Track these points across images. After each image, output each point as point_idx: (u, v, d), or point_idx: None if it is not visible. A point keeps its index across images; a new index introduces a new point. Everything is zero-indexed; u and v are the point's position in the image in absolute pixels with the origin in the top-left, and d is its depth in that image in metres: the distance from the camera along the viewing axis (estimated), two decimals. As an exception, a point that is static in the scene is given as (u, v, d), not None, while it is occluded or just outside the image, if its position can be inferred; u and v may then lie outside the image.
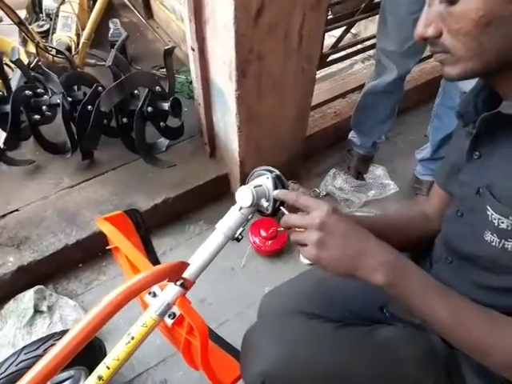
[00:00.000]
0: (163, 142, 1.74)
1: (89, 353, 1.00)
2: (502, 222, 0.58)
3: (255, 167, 0.79)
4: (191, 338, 0.78)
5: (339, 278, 0.91)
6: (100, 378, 0.70)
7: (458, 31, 0.53)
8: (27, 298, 1.42)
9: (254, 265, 1.63)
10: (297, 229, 0.64)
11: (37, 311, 1.41)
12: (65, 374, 1.09)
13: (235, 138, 1.48)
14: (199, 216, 1.73)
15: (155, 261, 1.07)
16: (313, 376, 0.74)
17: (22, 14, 2.14)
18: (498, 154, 0.60)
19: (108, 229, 0.87)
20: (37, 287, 1.45)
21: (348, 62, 2.21)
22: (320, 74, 2.13)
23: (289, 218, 0.65)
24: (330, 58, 1.86)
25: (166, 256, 1.62)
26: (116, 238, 0.85)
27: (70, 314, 1.44)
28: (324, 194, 1.88)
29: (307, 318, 0.91)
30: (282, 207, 0.73)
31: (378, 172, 1.90)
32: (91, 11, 2.08)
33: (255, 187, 0.75)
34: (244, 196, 0.74)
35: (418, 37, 0.58)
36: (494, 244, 0.61)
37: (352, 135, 1.87)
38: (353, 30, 2.54)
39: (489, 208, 0.60)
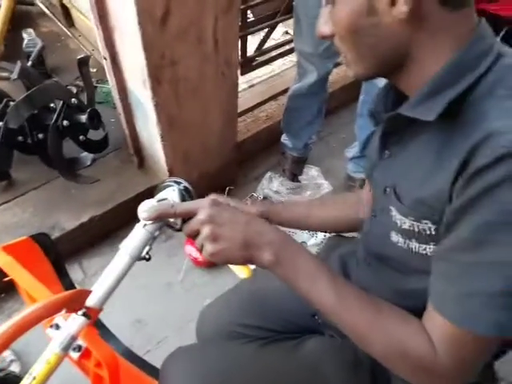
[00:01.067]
0: (87, 156, 1.64)
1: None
2: (404, 223, 0.57)
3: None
4: (100, 371, 0.72)
5: (273, 287, 0.92)
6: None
7: (338, 35, 0.54)
8: None
9: (192, 278, 1.58)
10: None
11: None
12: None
13: (160, 146, 1.43)
14: (130, 231, 1.65)
15: (70, 287, 0.99)
16: None
17: None
18: (403, 153, 0.60)
19: (3, 260, 0.79)
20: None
21: (278, 63, 2.22)
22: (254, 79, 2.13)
23: (185, 227, 0.62)
24: (256, 62, 1.84)
25: (96, 277, 1.52)
26: (11, 269, 0.77)
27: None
28: (261, 197, 1.86)
29: (234, 338, 0.91)
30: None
31: (311, 173, 1.91)
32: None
33: (159, 201, 0.70)
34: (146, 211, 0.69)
35: (318, 34, 0.57)
36: (399, 244, 0.60)
37: (284, 138, 1.87)
38: (284, 29, 2.56)
39: (392, 208, 0.59)
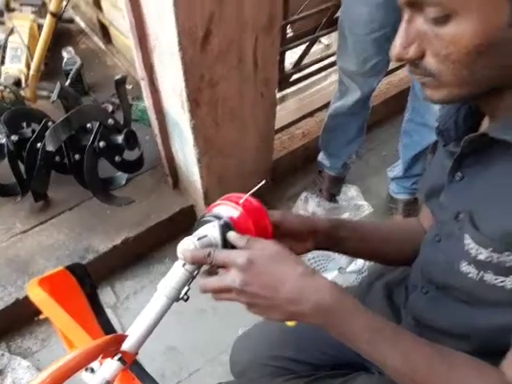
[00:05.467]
0: (122, 176, 1.63)
1: None
2: (481, 253, 0.52)
3: (221, 196, 0.69)
4: (136, 421, 0.67)
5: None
6: None
7: (447, 57, 0.45)
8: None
9: (226, 304, 1.51)
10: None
11: (-15, 376, 1.27)
12: None
13: (196, 169, 1.39)
14: (164, 253, 1.61)
15: (105, 321, 0.96)
16: None
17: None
18: (482, 177, 0.55)
19: (38, 296, 0.75)
20: (-15, 348, 1.31)
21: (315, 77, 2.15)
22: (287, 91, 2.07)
23: (205, 284, 0.58)
24: (294, 77, 1.78)
25: (129, 301, 1.50)
26: (47, 307, 0.74)
27: (24, 377, 1.30)
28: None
29: (274, 373, 0.87)
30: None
31: (351, 193, 1.83)
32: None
33: (199, 239, 0.65)
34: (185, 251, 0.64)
35: (395, 58, 0.49)
36: (470, 275, 0.55)
37: (321, 157, 1.79)
38: (325, 42, 2.49)
39: (467, 236, 0.54)
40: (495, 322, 0.56)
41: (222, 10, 0.99)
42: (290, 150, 1.88)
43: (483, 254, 0.52)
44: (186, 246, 0.63)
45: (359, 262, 1.63)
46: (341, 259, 1.64)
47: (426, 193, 0.70)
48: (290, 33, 1.70)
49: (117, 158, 1.50)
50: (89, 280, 0.96)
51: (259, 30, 1.12)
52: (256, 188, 0.64)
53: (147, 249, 1.60)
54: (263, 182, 0.65)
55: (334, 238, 0.70)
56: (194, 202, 1.61)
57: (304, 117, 1.99)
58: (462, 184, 0.58)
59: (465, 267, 0.55)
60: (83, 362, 0.60)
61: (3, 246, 1.51)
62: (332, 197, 1.82)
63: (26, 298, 1.39)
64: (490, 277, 0.52)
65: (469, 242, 0.53)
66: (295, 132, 1.96)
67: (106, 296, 1.51)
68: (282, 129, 1.91)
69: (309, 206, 1.79)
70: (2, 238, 1.53)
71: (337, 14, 1.59)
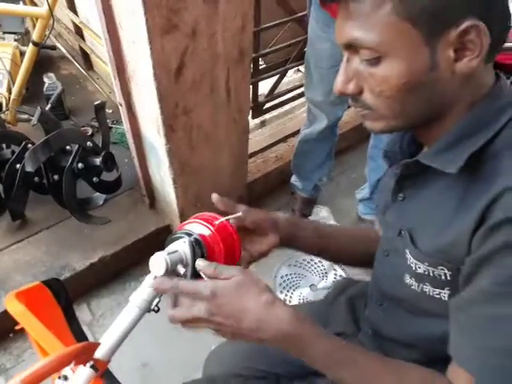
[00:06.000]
0: (100, 196, 1.68)
1: None
2: (419, 267, 0.57)
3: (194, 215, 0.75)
4: (106, 426, 0.71)
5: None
6: None
7: (380, 93, 0.51)
8: None
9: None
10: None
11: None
12: None
13: (171, 189, 1.45)
14: (140, 271, 1.66)
15: (79, 333, 0.99)
16: None
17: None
18: (419, 198, 0.60)
19: (15, 308, 0.79)
20: (-43, 367, 1.32)
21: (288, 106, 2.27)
22: (261, 118, 2.17)
23: (173, 315, 0.61)
24: (267, 106, 1.89)
25: (104, 318, 1.53)
26: (23, 318, 0.78)
27: (-5, 395, 1.31)
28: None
29: (244, 381, 0.89)
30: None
31: (322, 213, 1.92)
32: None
33: (169, 253, 0.71)
34: (157, 264, 0.69)
35: (337, 92, 0.55)
36: (413, 287, 0.60)
37: (294, 179, 1.89)
38: (301, 68, 2.62)
39: (407, 252, 0.59)
40: (435, 331, 0.61)
41: (195, 44, 1.08)
42: (265, 173, 1.96)
43: (421, 268, 0.57)
44: (156, 260, 0.69)
45: (330, 279, 1.70)
46: (312, 276, 1.71)
47: (380, 210, 0.76)
48: (262, 64, 1.82)
49: (95, 179, 1.55)
50: (64, 294, 1.01)
51: (231, 62, 1.21)
52: (232, 217, 0.69)
53: (124, 267, 1.64)
54: (239, 214, 0.72)
55: (293, 234, 0.75)
56: (171, 222, 1.67)
57: (277, 142, 2.09)
58: (403, 204, 0.63)
59: (408, 280, 0.60)
60: (56, 367, 0.64)
61: (-21, 265, 1.53)
62: (304, 217, 1.91)
63: (1, 314, 1.42)
64: (428, 288, 0.58)
65: (409, 257, 0.59)
66: (269, 156, 2.06)
67: (82, 313, 1.53)
68: (256, 153, 2.01)
69: (281, 226, 1.86)
70: (-22, 257, 1.55)
71: (305, 48, 1.71)
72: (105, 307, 1.56)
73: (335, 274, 1.71)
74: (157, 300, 0.73)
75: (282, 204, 2.00)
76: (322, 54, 1.32)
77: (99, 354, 0.71)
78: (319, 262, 1.75)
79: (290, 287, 1.69)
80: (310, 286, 1.70)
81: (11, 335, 1.48)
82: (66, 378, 0.76)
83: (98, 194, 1.67)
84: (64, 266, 1.52)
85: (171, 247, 0.75)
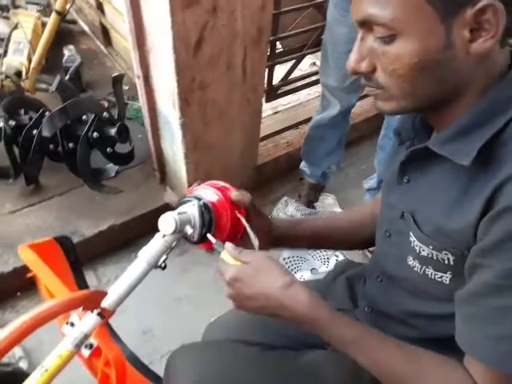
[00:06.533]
0: (112, 167, 1.72)
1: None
2: (423, 250, 0.58)
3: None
4: (108, 370, 0.75)
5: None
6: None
7: (393, 72, 0.51)
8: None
9: (202, 295, 1.60)
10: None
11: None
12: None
13: (183, 165, 1.48)
14: (147, 242, 1.68)
15: (85, 288, 1.04)
16: None
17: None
18: (425, 181, 0.60)
19: (28, 257, 0.84)
20: (-33, 319, 1.37)
21: (304, 92, 2.29)
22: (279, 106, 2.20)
23: None
24: (281, 91, 1.91)
25: (110, 284, 1.56)
26: (35, 265, 0.82)
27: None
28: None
29: (236, 343, 0.91)
30: (208, 234, 0.73)
31: (328, 201, 1.94)
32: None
33: (179, 214, 0.74)
34: (166, 223, 0.73)
35: (350, 71, 0.55)
36: (415, 269, 0.61)
37: (303, 165, 1.91)
38: (317, 62, 2.64)
39: (411, 234, 0.60)
40: (433, 312, 0.63)
41: (215, 19, 1.11)
42: (274, 157, 1.99)
43: (425, 251, 0.58)
44: (166, 219, 0.72)
45: (331, 264, 1.73)
46: (314, 261, 1.74)
47: (383, 186, 0.77)
48: (279, 48, 1.83)
49: (108, 150, 1.59)
50: (73, 252, 1.05)
51: (248, 41, 1.23)
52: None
53: (132, 237, 1.68)
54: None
55: (287, 234, 0.80)
56: (180, 197, 1.70)
57: (289, 128, 2.11)
58: (408, 186, 0.63)
59: (411, 261, 0.62)
60: (66, 307, 0.68)
61: (-9, 225, 1.58)
62: (310, 203, 1.93)
63: (10, 273, 1.47)
64: (430, 271, 0.59)
65: (413, 240, 0.59)
66: (280, 141, 2.08)
67: (89, 279, 1.54)
68: (268, 137, 2.03)
69: (288, 210, 1.89)
70: (-10, 217, 1.60)
71: (322, 36, 1.73)
72: (111, 274, 1.61)
73: (336, 260, 1.74)
74: (164, 257, 0.77)
75: (289, 189, 2.03)
76: (340, 39, 1.33)
77: (106, 303, 0.74)
78: (322, 247, 1.78)
79: (292, 269, 1.72)
80: (311, 270, 1.73)
81: (19, 294, 1.53)
82: (72, 324, 0.80)
83: (110, 165, 1.71)
84: (73, 231, 1.57)
85: (181, 208, 0.78)
